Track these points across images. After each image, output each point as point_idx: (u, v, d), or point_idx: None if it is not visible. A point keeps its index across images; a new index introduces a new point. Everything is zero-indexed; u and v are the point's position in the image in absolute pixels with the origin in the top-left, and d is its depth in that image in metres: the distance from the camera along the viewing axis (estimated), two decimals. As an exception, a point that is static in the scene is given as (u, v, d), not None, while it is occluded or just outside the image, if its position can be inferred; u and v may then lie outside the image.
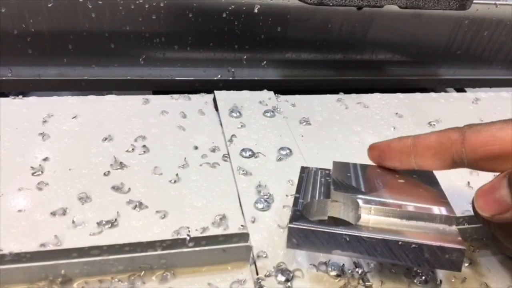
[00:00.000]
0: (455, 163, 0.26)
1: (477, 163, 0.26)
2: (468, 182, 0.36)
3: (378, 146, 0.30)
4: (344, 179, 0.29)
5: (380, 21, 0.52)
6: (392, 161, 0.29)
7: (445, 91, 0.62)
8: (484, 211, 0.25)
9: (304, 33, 0.51)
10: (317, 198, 0.29)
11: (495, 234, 0.28)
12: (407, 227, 0.25)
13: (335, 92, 0.48)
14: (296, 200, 0.28)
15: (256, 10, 0.47)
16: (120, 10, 0.44)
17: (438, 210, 0.26)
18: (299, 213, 0.26)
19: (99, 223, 0.28)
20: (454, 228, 0.25)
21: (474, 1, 0.47)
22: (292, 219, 0.25)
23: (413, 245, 0.24)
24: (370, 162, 0.32)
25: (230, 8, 0.47)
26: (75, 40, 0.46)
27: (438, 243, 0.23)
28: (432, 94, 0.50)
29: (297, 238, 0.25)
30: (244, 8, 0.47)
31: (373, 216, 0.26)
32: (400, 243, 0.24)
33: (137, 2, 0.44)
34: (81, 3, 0.43)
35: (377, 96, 0.47)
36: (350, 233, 0.24)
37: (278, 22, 0.49)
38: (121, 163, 0.33)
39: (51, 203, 0.29)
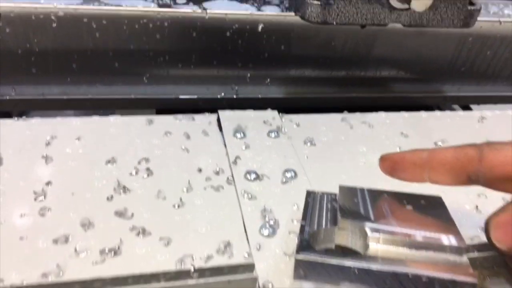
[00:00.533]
0: (470, 181, 0.26)
1: (493, 183, 0.25)
2: (476, 206, 0.35)
3: (391, 157, 0.29)
4: (351, 206, 0.29)
5: (384, 38, 0.52)
6: (405, 174, 0.28)
7: (451, 108, 0.62)
8: (502, 244, 0.24)
9: (307, 51, 0.51)
10: (323, 224, 0.28)
11: (509, 263, 0.27)
12: (416, 258, 0.25)
13: (339, 109, 0.48)
14: (302, 228, 0.27)
15: (260, 29, 0.47)
16: (124, 30, 0.44)
17: (448, 240, 0.25)
18: (305, 243, 0.26)
19: (101, 251, 0.27)
20: (465, 259, 0.25)
21: (478, 19, 0.47)
22: (299, 249, 0.25)
23: (424, 279, 0.23)
24: (377, 186, 0.31)
25: (234, 27, 0.47)
26: (79, 59, 0.46)
27: (449, 277, 0.23)
28: (437, 113, 0.50)
29: (304, 270, 0.24)
30: (248, 26, 0.47)
31: (381, 246, 0.25)
32: (410, 276, 0.23)
33: (141, 22, 0.44)
34: (86, 23, 0.43)
35: (381, 115, 0.47)
36: (359, 266, 0.24)
37: (282, 40, 0.49)
38: (124, 187, 0.33)
39: (54, 230, 0.29)
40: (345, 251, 0.27)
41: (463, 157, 0.26)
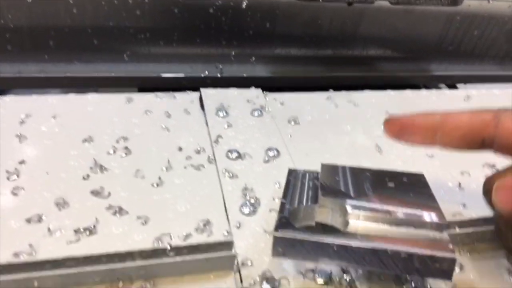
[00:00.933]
0: (483, 146, 0.25)
1: (506, 149, 0.25)
2: (459, 183, 0.35)
3: (399, 120, 0.28)
4: (332, 183, 0.28)
5: (371, 17, 0.51)
6: (414, 137, 0.27)
7: (437, 87, 0.61)
8: (504, 206, 0.23)
9: (293, 29, 0.50)
10: (304, 202, 0.28)
11: (503, 228, 0.27)
12: (396, 234, 0.24)
13: (325, 89, 0.47)
14: (282, 206, 0.27)
15: (244, 6, 0.46)
16: (102, 6, 0.43)
17: (429, 216, 0.25)
18: (285, 220, 0.25)
19: (76, 231, 0.26)
20: (445, 235, 0.24)
21: (466, -3, 0.46)
22: (278, 226, 0.24)
23: (403, 255, 0.23)
24: (361, 164, 0.31)
25: (217, 3, 0.45)
26: (57, 36, 0.44)
27: (428, 252, 0.23)
28: (423, 91, 0.49)
29: (283, 247, 0.24)
30: (231, 3, 0.46)
31: (361, 223, 0.25)
32: (389, 252, 0.23)
33: (120, -4, 0.43)
34: (62, -2, 0.42)
35: (367, 93, 0.46)
36: (337, 243, 0.23)
37: (267, 18, 0.48)
38: (101, 166, 0.32)
39: (27, 209, 0.28)
40: (325, 229, 0.26)
41: (479, 122, 0.25)
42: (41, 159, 0.32)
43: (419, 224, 0.25)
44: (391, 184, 0.28)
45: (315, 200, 0.28)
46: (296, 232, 0.24)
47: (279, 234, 0.24)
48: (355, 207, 0.25)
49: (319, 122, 0.41)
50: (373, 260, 0.23)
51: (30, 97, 0.38)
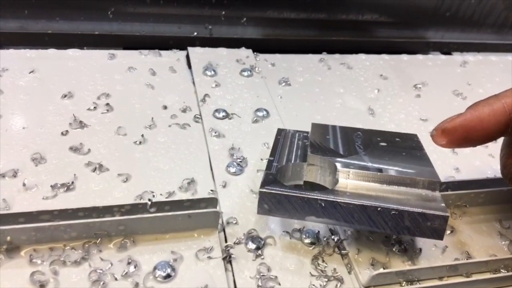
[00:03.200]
0: None
1: None
2: (453, 148, 0.34)
3: (461, 126, 0.23)
4: (322, 142, 0.27)
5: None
6: (482, 138, 0.24)
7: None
8: None
9: (287, -11, 0.48)
10: (293, 161, 0.27)
11: None
12: (387, 193, 0.23)
13: (318, 52, 0.45)
14: (269, 164, 0.26)
15: (235, -38, 0.44)
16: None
17: (421, 174, 0.24)
18: (272, 177, 0.24)
19: (53, 186, 0.25)
20: (437, 194, 0.23)
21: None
22: (264, 183, 0.23)
23: (393, 212, 0.22)
24: (350, 124, 0.30)
25: (207, -42, 0.43)
26: (37, -10, 0.42)
27: (419, 210, 0.22)
28: (419, 56, 0.48)
29: (269, 204, 0.23)
30: (222, -41, 0.43)
31: (351, 181, 0.24)
32: (379, 209, 0.22)
33: None
34: None
35: (361, 57, 0.45)
36: (325, 199, 0.22)
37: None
38: (81, 122, 0.30)
39: (1, 164, 0.26)
40: (313, 187, 0.25)
41: None
42: (17, 114, 0.30)
43: (411, 182, 0.24)
44: (383, 144, 0.27)
45: (304, 159, 0.27)
46: (282, 187, 0.23)
47: (265, 189, 0.23)
48: (344, 164, 0.24)
49: (311, 84, 0.40)
50: (362, 217, 0.22)
51: (7, 51, 0.36)
